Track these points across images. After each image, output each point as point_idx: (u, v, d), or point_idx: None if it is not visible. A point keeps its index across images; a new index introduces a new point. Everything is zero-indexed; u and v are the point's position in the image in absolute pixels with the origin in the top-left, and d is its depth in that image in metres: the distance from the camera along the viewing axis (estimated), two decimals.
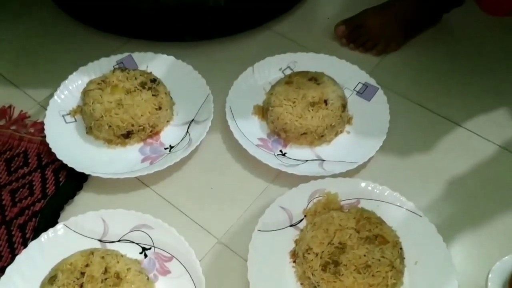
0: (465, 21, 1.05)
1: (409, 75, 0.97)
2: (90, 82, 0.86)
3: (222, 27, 1.00)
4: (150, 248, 0.71)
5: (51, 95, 0.87)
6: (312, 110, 0.82)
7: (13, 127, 0.86)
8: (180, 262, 0.69)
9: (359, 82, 0.90)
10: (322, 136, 0.83)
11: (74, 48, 1.00)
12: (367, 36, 0.99)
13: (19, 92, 0.92)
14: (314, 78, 0.86)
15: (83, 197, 0.79)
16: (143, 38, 0.98)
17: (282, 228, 0.72)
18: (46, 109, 0.85)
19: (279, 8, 1.05)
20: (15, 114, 0.88)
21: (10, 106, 0.89)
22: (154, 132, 0.84)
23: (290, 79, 0.86)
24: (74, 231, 0.71)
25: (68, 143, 0.82)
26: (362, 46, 1.00)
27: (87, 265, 0.65)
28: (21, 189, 0.79)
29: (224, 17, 0.98)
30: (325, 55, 0.94)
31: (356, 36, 1.00)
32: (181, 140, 0.84)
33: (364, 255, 0.65)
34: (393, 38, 0.99)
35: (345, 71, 0.91)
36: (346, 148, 0.83)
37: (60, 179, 0.80)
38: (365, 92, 0.89)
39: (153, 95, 0.83)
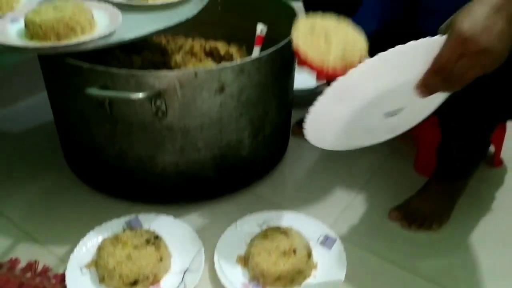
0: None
1: (362, 228, 1.18)
2: (104, 240, 1.04)
3: (212, 192, 1.21)
4: None
5: (71, 251, 1.04)
6: (284, 258, 1.00)
7: (38, 279, 1.02)
8: None
9: (321, 234, 1.11)
10: (293, 280, 0.99)
11: (88, 210, 1.19)
12: (421, 218, 1.16)
13: (43, 249, 1.09)
14: (285, 232, 1.06)
15: None
16: (147, 202, 1.18)
17: None
18: (66, 263, 1.02)
19: (256, 176, 1.28)
20: (40, 267, 1.05)
21: (35, 261, 1.06)
22: (155, 280, 1.00)
23: (266, 233, 1.05)
24: None
25: None
26: (422, 226, 1.16)
27: None
28: None
29: (213, 184, 1.19)
30: (294, 212, 1.16)
31: (413, 219, 1.17)
32: (178, 286, 0.99)
33: None
34: (443, 214, 1.18)
35: (310, 225, 1.11)
36: None
37: None
38: (326, 242, 1.09)
39: (155, 249, 1.01)
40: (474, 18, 0.69)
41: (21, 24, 1.02)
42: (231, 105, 1.06)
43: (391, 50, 0.72)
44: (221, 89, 1.01)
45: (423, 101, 0.81)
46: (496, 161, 1.38)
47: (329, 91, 0.77)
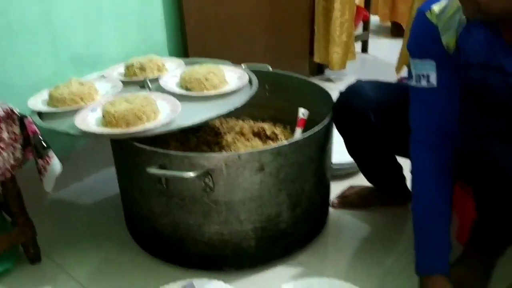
0: None
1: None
2: None
3: (254, 260, 1.31)
4: None
5: None
6: None
7: None
8: None
9: None
10: None
11: (147, 274, 1.32)
12: None
13: None
14: None
15: None
16: (199, 268, 1.30)
17: None
18: None
19: (297, 245, 1.37)
20: None
21: None
22: None
23: None
24: None
25: None
26: None
27: None
28: None
29: (255, 253, 1.29)
30: (334, 279, 1.23)
31: None
32: None
33: None
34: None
35: None
36: None
37: None
38: None
39: None
40: None
41: (99, 113, 1.24)
42: (270, 182, 1.20)
43: None
44: (261, 168, 1.17)
45: None
46: None
47: None
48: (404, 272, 1.31)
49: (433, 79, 1.07)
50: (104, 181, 1.75)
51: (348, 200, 1.58)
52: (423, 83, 1.08)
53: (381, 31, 3.66)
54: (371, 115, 1.23)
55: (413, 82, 1.10)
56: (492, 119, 1.07)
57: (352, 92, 1.27)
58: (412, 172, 1.15)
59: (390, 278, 1.30)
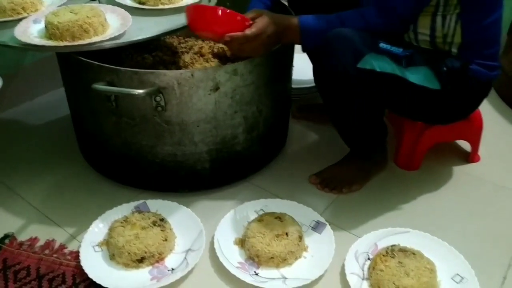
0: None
1: (349, 215, 1.27)
2: (115, 221, 1.15)
3: (209, 182, 1.31)
4: None
5: (85, 231, 1.16)
6: (277, 240, 1.10)
7: (55, 255, 1.14)
8: None
9: (313, 220, 1.20)
10: (285, 260, 1.09)
11: (101, 196, 1.30)
12: (334, 183, 1.33)
13: (60, 229, 1.21)
14: (279, 217, 1.16)
15: None
16: (154, 190, 1.29)
17: None
18: (80, 242, 1.14)
19: (252, 169, 1.37)
20: (56, 245, 1.16)
21: (53, 240, 1.17)
22: (160, 258, 1.11)
23: (262, 218, 1.16)
24: None
25: (96, 267, 1.08)
26: (334, 190, 1.33)
27: None
28: None
29: (210, 175, 1.29)
30: (288, 200, 1.25)
31: (326, 183, 1.34)
32: (180, 264, 1.10)
33: None
34: (353, 182, 1.33)
35: (302, 212, 1.21)
36: (303, 269, 1.10)
37: None
38: (317, 227, 1.19)
39: (161, 230, 1.12)
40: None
41: (42, 25, 1.15)
42: (226, 103, 1.16)
43: None
44: (216, 88, 1.12)
45: None
46: (472, 158, 1.46)
47: None
48: (356, 194, 1.34)
49: None
50: (56, 100, 1.68)
51: (309, 109, 1.61)
52: None
53: None
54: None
55: None
56: None
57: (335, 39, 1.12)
58: None
59: (338, 201, 1.32)
